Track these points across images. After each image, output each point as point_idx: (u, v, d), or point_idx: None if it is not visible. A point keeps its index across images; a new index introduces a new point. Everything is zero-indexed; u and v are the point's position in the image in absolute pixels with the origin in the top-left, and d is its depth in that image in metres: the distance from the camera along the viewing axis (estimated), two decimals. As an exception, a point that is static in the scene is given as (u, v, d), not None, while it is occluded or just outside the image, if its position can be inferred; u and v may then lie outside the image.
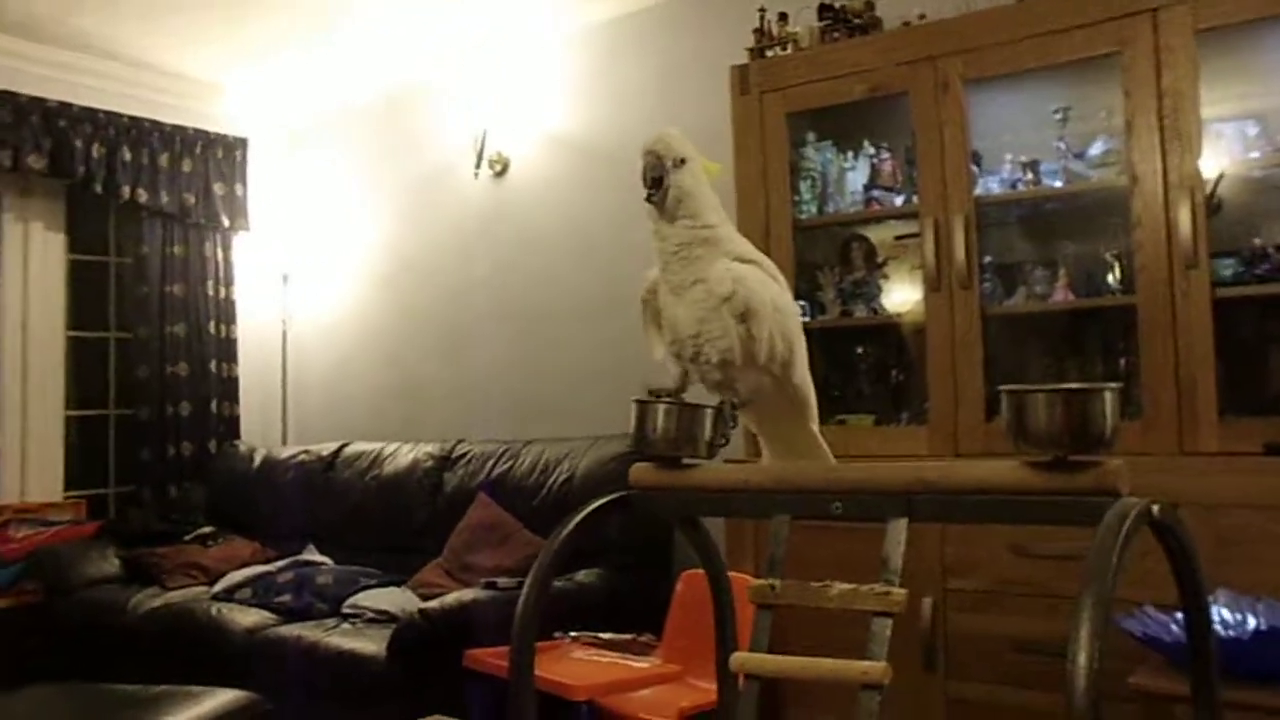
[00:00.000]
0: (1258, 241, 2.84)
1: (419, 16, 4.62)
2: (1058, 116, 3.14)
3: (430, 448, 4.63)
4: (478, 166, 4.90)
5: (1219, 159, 2.82)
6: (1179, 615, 2.11)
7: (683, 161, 1.72)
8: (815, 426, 1.88)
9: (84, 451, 5.24)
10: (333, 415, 5.62)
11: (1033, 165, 3.15)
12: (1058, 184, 3.12)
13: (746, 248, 1.79)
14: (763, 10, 3.61)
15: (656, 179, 1.71)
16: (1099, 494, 1.34)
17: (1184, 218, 2.74)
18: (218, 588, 4.25)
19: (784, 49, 3.53)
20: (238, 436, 5.49)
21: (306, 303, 5.74)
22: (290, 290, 5.71)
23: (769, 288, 1.75)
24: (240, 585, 4.21)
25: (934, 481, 1.49)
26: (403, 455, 4.68)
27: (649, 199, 1.72)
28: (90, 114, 4.98)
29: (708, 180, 1.77)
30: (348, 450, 4.92)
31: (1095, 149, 3.07)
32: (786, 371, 1.78)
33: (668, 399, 1.74)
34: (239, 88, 5.52)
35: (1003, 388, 1.42)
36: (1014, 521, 1.46)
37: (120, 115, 5.09)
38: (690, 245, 1.72)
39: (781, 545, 1.62)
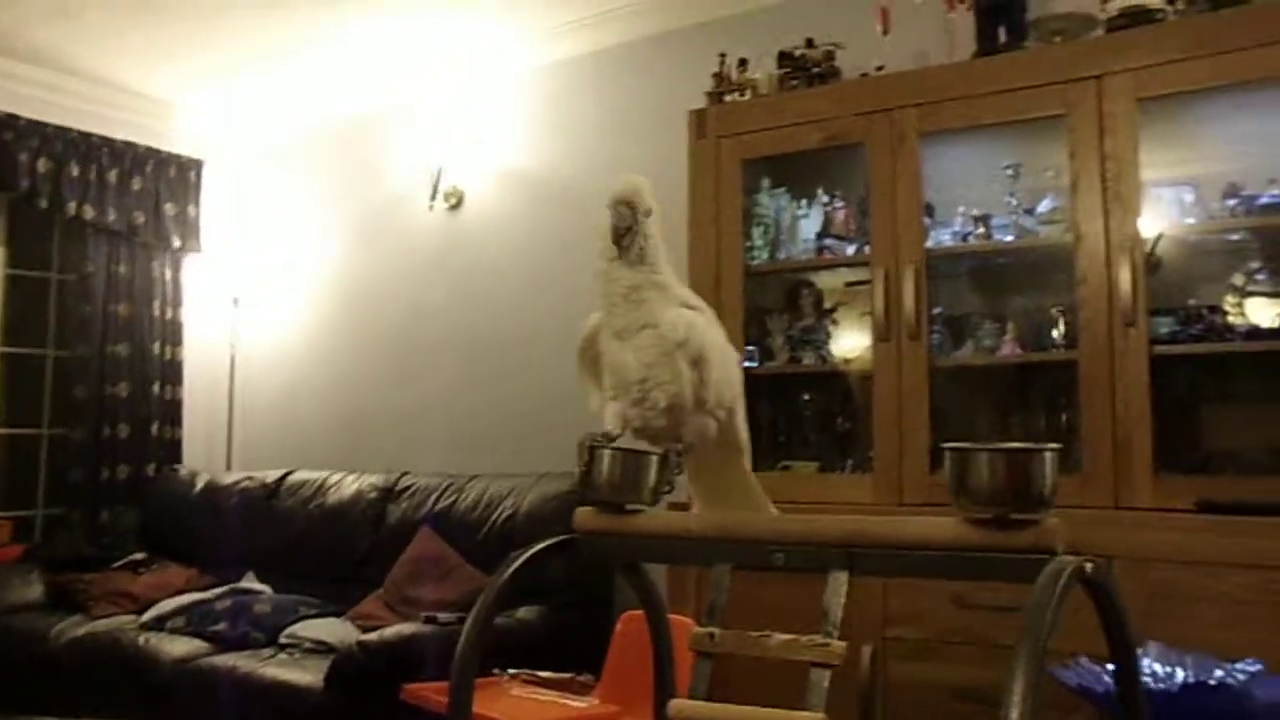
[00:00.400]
0: (1193, 302, 2.91)
1: (379, 48, 4.63)
2: (1009, 172, 3.19)
3: (375, 479, 4.58)
4: (433, 199, 4.89)
5: (1158, 221, 2.88)
6: (1111, 666, 2.13)
7: (649, 212, 1.75)
8: (749, 468, 1.91)
9: (13, 472, 5.12)
10: (279, 442, 5.54)
11: (984, 219, 3.20)
12: (1008, 238, 3.17)
13: (691, 295, 1.81)
14: (723, 55, 3.65)
15: (626, 228, 1.73)
16: (1036, 552, 1.35)
17: (1124, 276, 2.80)
18: (148, 616, 4.15)
19: (742, 95, 3.56)
20: (179, 461, 5.40)
21: (256, 327, 5.67)
22: (240, 314, 5.64)
23: (716, 334, 1.78)
24: (173, 613, 4.11)
25: (876, 536, 1.50)
26: (347, 485, 4.63)
27: (617, 245, 1.73)
28: (38, 127, 4.91)
29: None
30: (292, 478, 4.86)
31: (1044, 205, 3.12)
32: (731, 416, 1.81)
33: (613, 445, 1.74)
34: (196, 108, 5.47)
35: (946, 445, 1.43)
36: (953, 577, 1.48)
37: (70, 130, 5.02)
38: (641, 288, 1.73)
39: (723, 594, 1.62)
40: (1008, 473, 1.37)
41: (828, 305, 3.58)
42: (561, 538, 1.78)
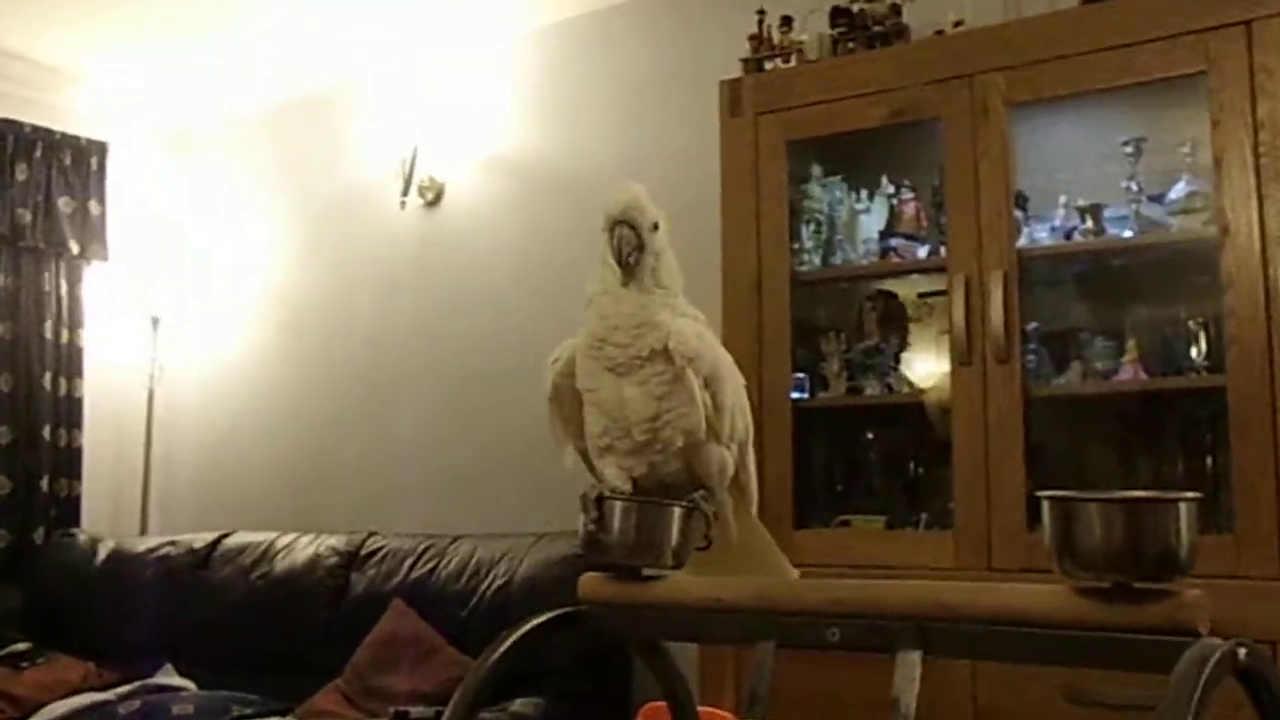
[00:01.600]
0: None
1: (336, 6, 4.64)
2: (1128, 150, 3.16)
3: (334, 541, 4.57)
4: (405, 193, 4.91)
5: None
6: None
7: (656, 225, 1.78)
8: (756, 518, 1.94)
9: None
10: (210, 498, 5.55)
11: (1094, 210, 3.18)
12: (1126, 234, 3.15)
13: (695, 312, 1.85)
14: (762, 13, 3.65)
15: (633, 249, 1.76)
16: (1171, 632, 1.32)
17: (1288, 278, 2.77)
18: (33, 724, 4.14)
19: (786, 61, 3.57)
20: (76, 523, 5.36)
21: (182, 354, 5.69)
22: (162, 338, 5.65)
23: (721, 350, 1.83)
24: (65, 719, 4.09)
25: (956, 607, 1.48)
26: (300, 549, 4.62)
27: (624, 269, 1.76)
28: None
29: None
30: (229, 542, 4.85)
31: (1176, 191, 3.10)
32: (741, 454, 1.85)
33: (627, 496, 1.74)
34: (100, 79, 5.46)
35: (1045, 494, 1.41)
36: (1059, 663, 1.44)
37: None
38: (652, 313, 1.75)
39: (765, 679, 1.61)
40: (1129, 529, 1.34)
41: (895, 321, 3.56)
42: (564, 610, 1.76)
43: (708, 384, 1.75)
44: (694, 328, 1.77)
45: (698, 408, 1.74)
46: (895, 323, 3.56)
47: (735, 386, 1.82)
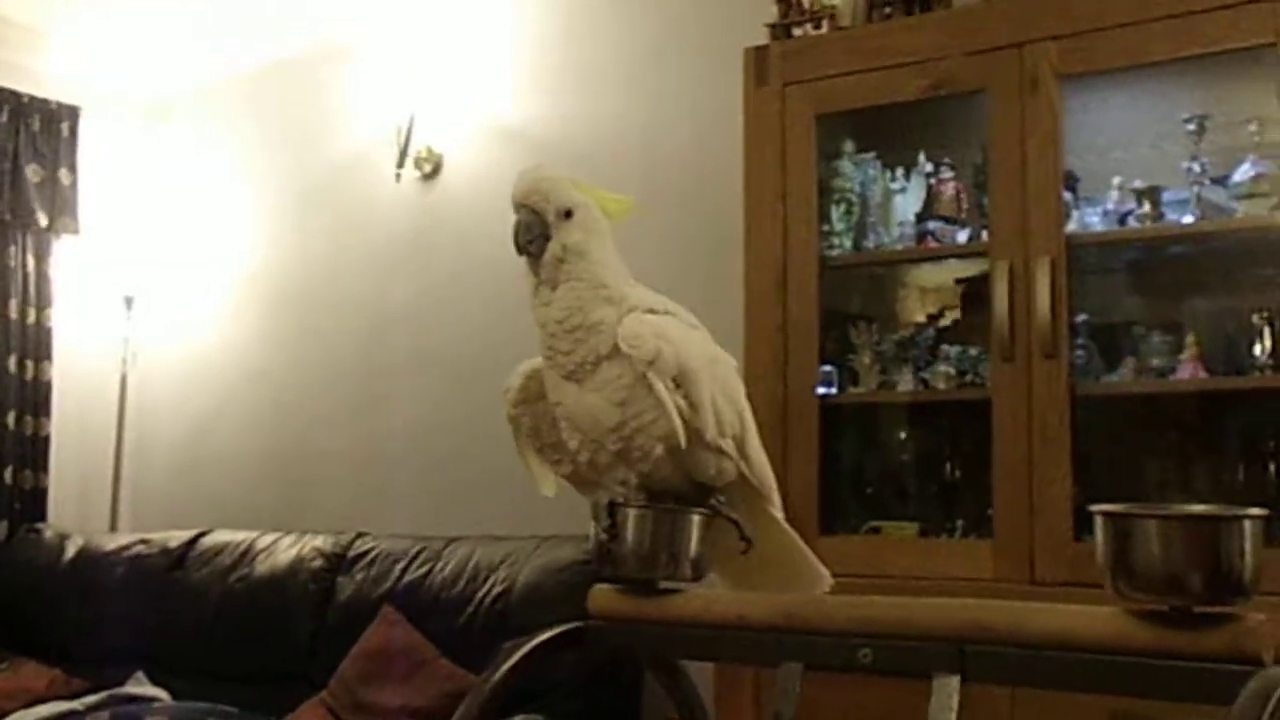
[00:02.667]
0: None
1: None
2: (1189, 128, 3.15)
3: (320, 542, 4.59)
4: (400, 165, 4.91)
5: None
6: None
7: (568, 214, 1.75)
8: (781, 515, 1.91)
9: None
10: (186, 493, 5.56)
11: (1151, 193, 3.17)
12: (1186, 219, 3.13)
13: (657, 299, 1.82)
14: (790, -26, 3.65)
15: (532, 239, 1.75)
16: (1232, 661, 1.32)
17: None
18: (-8, 734, 4.17)
19: (817, 27, 3.56)
20: (42, 518, 5.41)
21: (157, 337, 5.71)
22: (136, 319, 5.68)
23: (695, 337, 1.79)
24: (29, 731, 4.12)
25: (998, 629, 1.48)
26: (282, 550, 4.64)
27: (525, 259, 1.77)
28: None
29: (607, 223, 1.80)
30: (206, 541, 4.87)
31: (1241, 173, 3.08)
32: (741, 446, 1.82)
33: (640, 503, 1.74)
34: (73, 38, 5.48)
35: (1098, 508, 1.41)
36: (1109, 691, 1.44)
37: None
38: (585, 309, 1.74)
39: (792, 703, 1.62)
40: (1189, 547, 1.35)
41: (931, 311, 3.56)
42: (571, 626, 1.77)
43: (678, 383, 1.73)
44: (648, 323, 1.74)
45: (669, 412, 1.71)
46: (926, 314, 3.56)
47: (715, 374, 1.79)
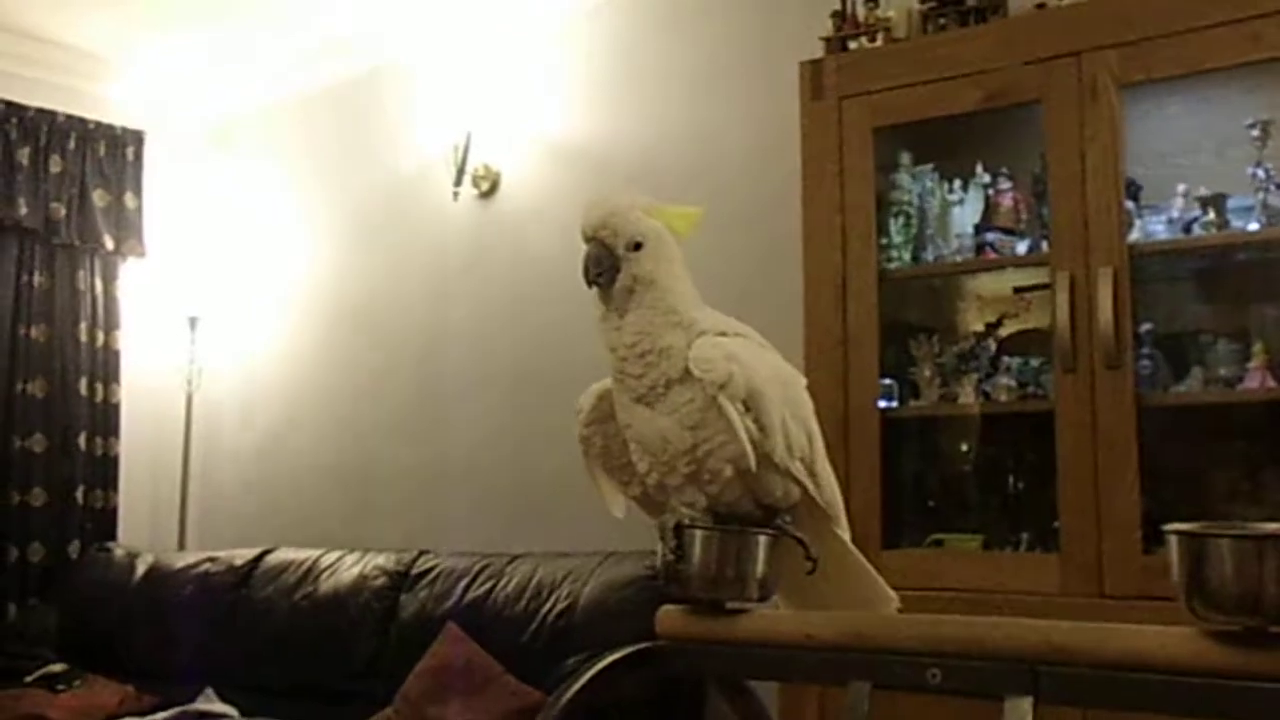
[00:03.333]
0: None
1: (385, -18, 4.68)
2: (1254, 134, 3.12)
3: (383, 560, 4.61)
4: (458, 183, 4.93)
5: None
6: None
7: (638, 245, 1.74)
8: (848, 536, 1.89)
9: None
10: (252, 511, 5.60)
11: (1216, 201, 3.13)
12: (1253, 226, 3.10)
13: (727, 322, 1.81)
14: (845, -14, 3.64)
15: (601, 271, 1.75)
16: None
17: None
18: (68, 750, 4.21)
19: (872, 40, 3.55)
20: (114, 537, 5.49)
21: (221, 357, 5.76)
22: (200, 339, 5.72)
23: (766, 359, 1.79)
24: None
25: (1071, 649, 1.47)
26: (346, 569, 4.67)
27: (595, 289, 1.76)
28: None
29: (676, 249, 1.79)
30: (271, 559, 4.91)
31: (1308, 178, 3.06)
32: (810, 467, 1.81)
33: (707, 524, 1.74)
34: (136, 65, 5.56)
35: (1171, 528, 1.39)
36: (1185, 713, 1.43)
37: (-39, 94, 5.15)
38: (655, 334, 1.74)
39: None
40: (1264, 567, 1.33)
41: (992, 321, 3.53)
42: (641, 646, 1.78)
43: (748, 405, 1.72)
44: (719, 346, 1.73)
45: (738, 435, 1.70)
46: (987, 325, 3.54)
47: (786, 397, 1.78)
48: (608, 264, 1.74)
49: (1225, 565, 1.35)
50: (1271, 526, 1.36)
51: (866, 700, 1.61)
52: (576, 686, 1.72)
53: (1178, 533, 1.39)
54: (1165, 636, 1.42)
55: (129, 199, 5.60)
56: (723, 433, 1.70)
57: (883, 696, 1.60)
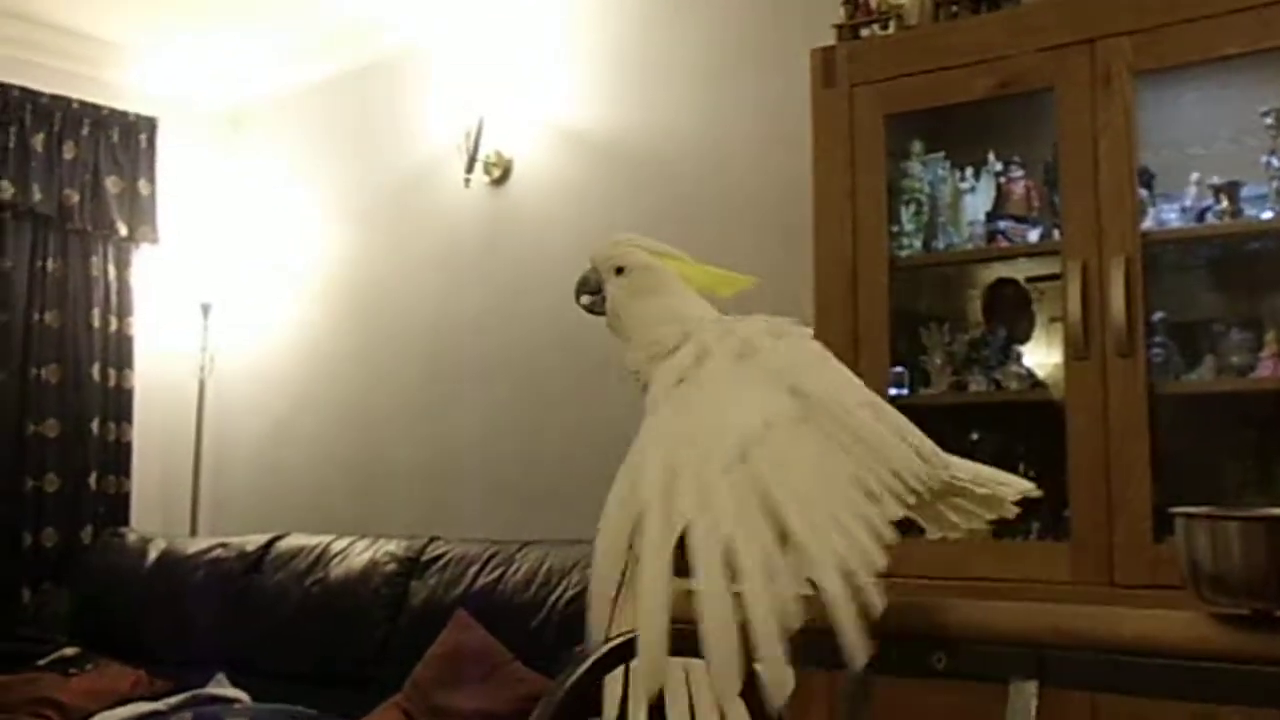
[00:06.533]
0: None
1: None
2: (1268, 121, 3.10)
3: (393, 546, 4.62)
4: (469, 170, 4.93)
5: None
6: None
7: (618, 271, 1.76)
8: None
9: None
10: (263, 497, 5.62)
11: (1229, 189, 3.12)
12: (1266, 214, 3.09)
13: (701, 346, 1.67)
14: (857, -26, 3.63)
15: (586, 293, 1.79)
16: (1315, 665, 1.30)
17: None
18: (80, 734, 4.22)
19: (884, 27, 3.54)
20: (126, 522, 5.51)
21: (234, 343, 5.77)
22: (213, 326, 5.74)
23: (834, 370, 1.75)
24: (114, 730, 4.17)
25: (1077, 633, 1.46)
26: (356, 555, 4.67)
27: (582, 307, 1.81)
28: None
29: (673, 284, 1.76)
30: (282, 545, 4.92)
31: (1323, 166, 3.04)
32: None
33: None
34: (150, 52, 5.57)
35: (1178, 510, 1.38)
36: (1192, 698, 1.41)
37: (-25, 80, 5.15)
38: (629, 364, 1.77)
39: (868, 710, 1.59)
40: (1271, 550, 1.32)
41: (1003, 310, 3.52)
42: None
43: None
44: (658, 443, 1.62)
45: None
46: (1005, 312, 3.53)
47: (759, 487, 1.71)
48: (592, 285, 1.78)
49: (1233, 548, 1.34)
50: (1277, 511, 1.35)
51: (870, 684, 1.61)
52: (580, 672, 1.71)
53: (1185, 515, 1.38)
54: (1171, 620, 1.41)
55: (142, 185, 5.61)
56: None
57: (888, 681, 1.59)
